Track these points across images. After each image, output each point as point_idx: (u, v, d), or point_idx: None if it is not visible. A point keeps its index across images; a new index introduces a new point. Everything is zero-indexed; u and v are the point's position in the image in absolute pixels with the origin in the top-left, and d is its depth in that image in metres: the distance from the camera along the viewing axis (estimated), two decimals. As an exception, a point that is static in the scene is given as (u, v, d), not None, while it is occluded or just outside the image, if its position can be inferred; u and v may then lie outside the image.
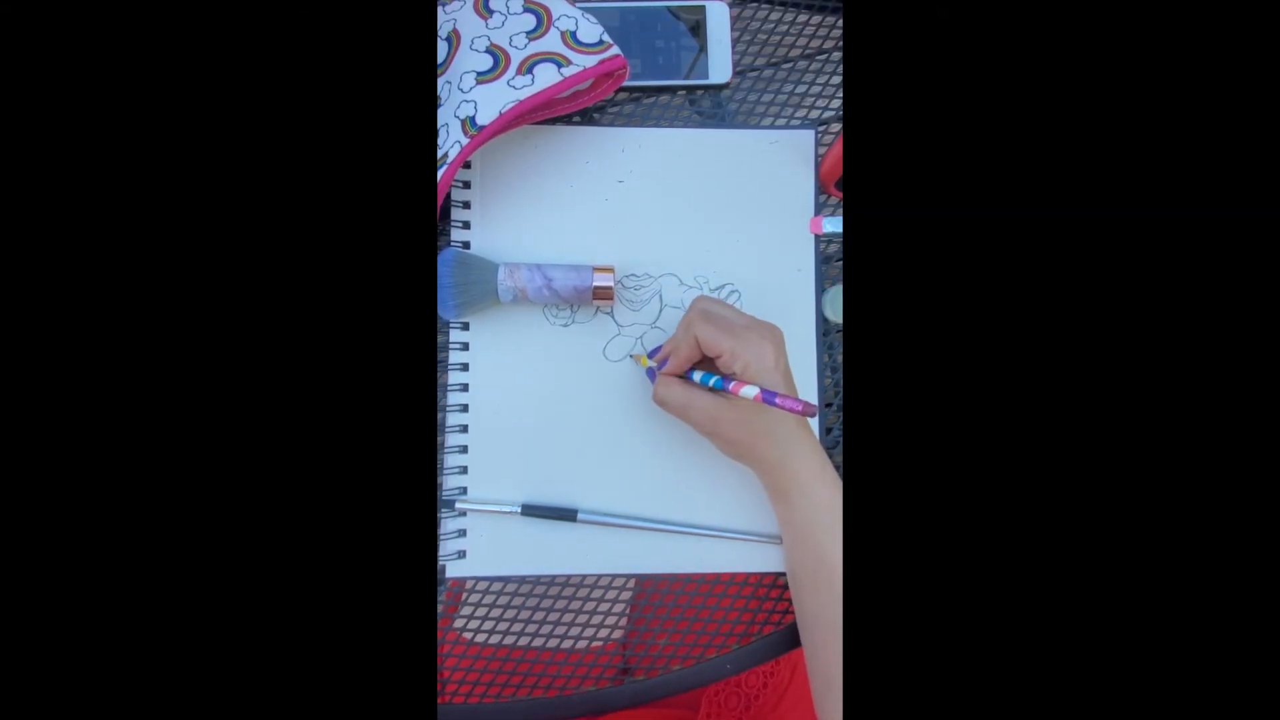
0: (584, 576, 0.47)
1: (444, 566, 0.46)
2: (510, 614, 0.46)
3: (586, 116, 0.49)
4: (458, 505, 0.46)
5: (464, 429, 0.47)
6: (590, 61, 0.44)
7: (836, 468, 0.48)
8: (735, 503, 0.47)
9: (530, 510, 0.46)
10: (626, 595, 0.47)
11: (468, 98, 0.43)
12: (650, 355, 0.45)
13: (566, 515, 0.46)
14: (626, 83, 0.46)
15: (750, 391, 0.37)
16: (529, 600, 0.46)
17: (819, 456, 0.41)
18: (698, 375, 0.41)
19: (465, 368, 0.47)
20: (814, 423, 0.47)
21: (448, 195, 0.47)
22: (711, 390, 0.40)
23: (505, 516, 0.46)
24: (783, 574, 0.47)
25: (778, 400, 0.35)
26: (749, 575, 0.47)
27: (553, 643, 0.46)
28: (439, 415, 0.47)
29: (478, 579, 0.46)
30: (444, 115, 0.44)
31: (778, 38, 0.51)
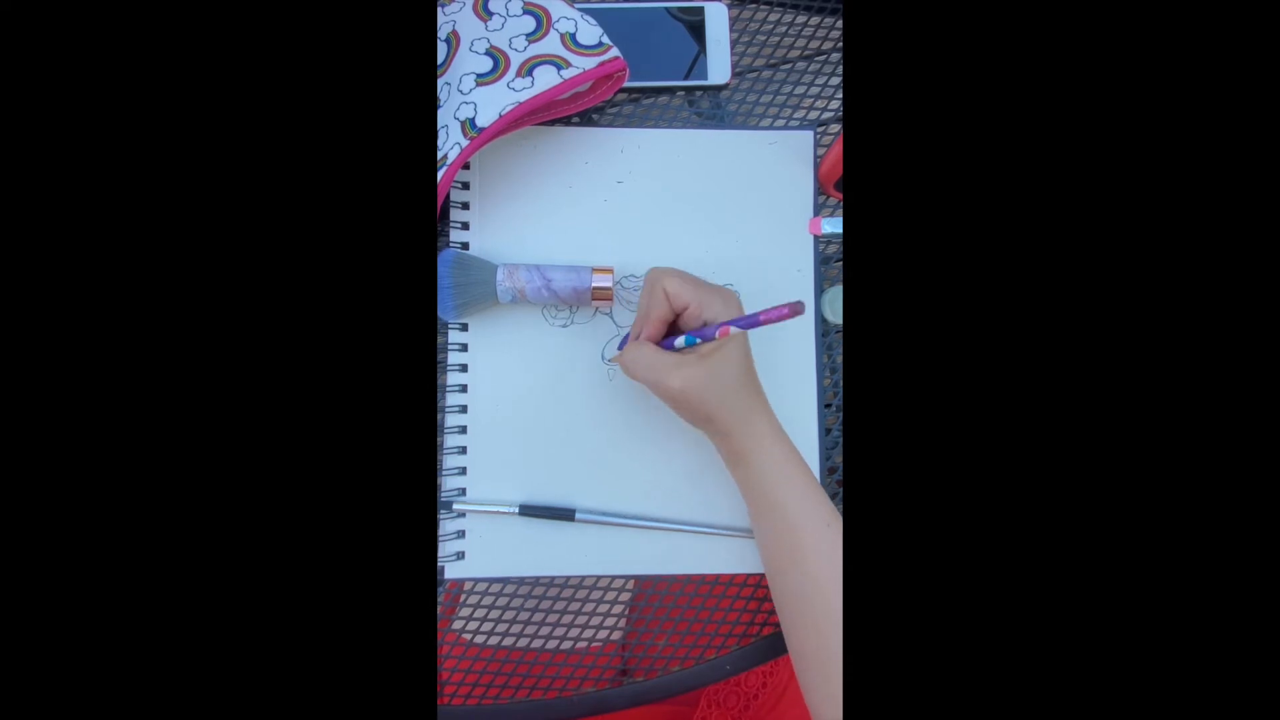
0: (583, 578, 0.47)
1: (443, 568, 0.46)
2: (509, 615, 0.46)
3: (585, 117, 0.50)
4: (455, 506, 0.46)
5: (463, 430, 0.47)
6: (590, 64, 0.44)
7: (836, 468, 0.48)
8: (733, 501, 0.46)
9: (528, 510, 0.46)
10: (625, 596, 0.47)
11: (467, 99, 0.43)
12: (620, 347, 0.44)
13: (564, 515, 0.46)
14: (626, 84, 0.46)
15: (734, 323, 0.37)
16: (528, 601, 0.46)
17: (774, 421, 0.41)
18: (679, 341, 0.40)
19: (464, 368, 0.47)
20: (814, 422, 0.48)
21: (447, 196, 0.47)
22: (682, 352, 0.40)
23: (504, 518, 0.46)
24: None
25: (761, 317, 0.35)
26: (748, 576, 0.47)
27: (552, 644, 0.46)
28: (438, 416, 0.47)
29: (477, 580, 0.46)
30: (444, 117, 0.44)
31: (777, 39, 0.51)
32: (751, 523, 0.43)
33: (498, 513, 0.46)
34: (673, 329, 0.41)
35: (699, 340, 0.39)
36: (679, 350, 0.40)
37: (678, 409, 0.40)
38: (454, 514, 0.46)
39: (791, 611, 0.40)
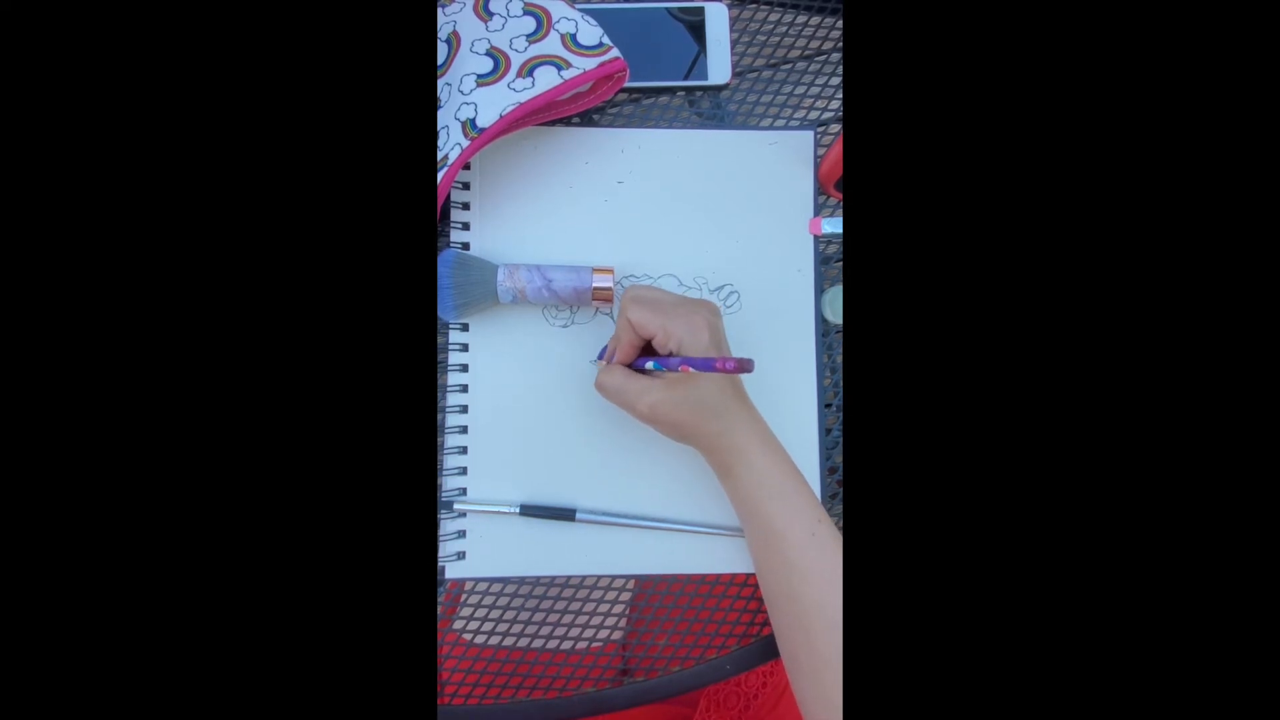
0: (583, 578, 0.47)
1: (443, 568, 0.46)
2: (510, 615, 0.46)
3: (586, 117, 0.50)
4: (456, 506, 0.46)
5: (463, 430, 0.47)
6: (590, 64, 0.44)
7: (836, 468, 0.48)
8: (735, 503, 0.47)
9: (528, 510, 0.46)
10: (626, 596, 0.47)
11: (468, 100, 0.43)
12: (599, 357, 0.45)
13: (564, 515, 0.46)
14: (626, 84, 0.46)
15: (690, 363, 0.37)
16: (528, 601, 0.46)
17: (759, 427, 0.41)
18: (649, 364, 0.41)
19: (465, 368, 0.47)
20: (814, 422, 0.48)
21: (448, 196, 0.47)
22: (650, 373, 0.41)
23: (504, 517, 0.46)
24: (782, 575, 0.47)
25: (715, 364, 0.35)
26: (749, 575, 0.47)
27: (552, 644, 0.46)
28: (438, 416, 0.47)
29: (477, 580, 0.46)
30: (444, 117, 0.44)
31: (777, 39, 0.51)
32: (744, 530, 0.43)
33: (498, 512, 0.46)
34: (646, 346, 0.42)
35: (664, 368, 0.39)
36: (648, 373, 0.41)
37: (654, 429, 0.41)
38: (455, 514, 0.46)
39: (781, 615, 0.40)
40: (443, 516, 0.46)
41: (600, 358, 0.45)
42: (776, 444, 0.41)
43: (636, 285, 0.42)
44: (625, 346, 0.41)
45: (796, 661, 0.39)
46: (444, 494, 0.46)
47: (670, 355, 0.40)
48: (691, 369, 0.37)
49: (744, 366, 0.34)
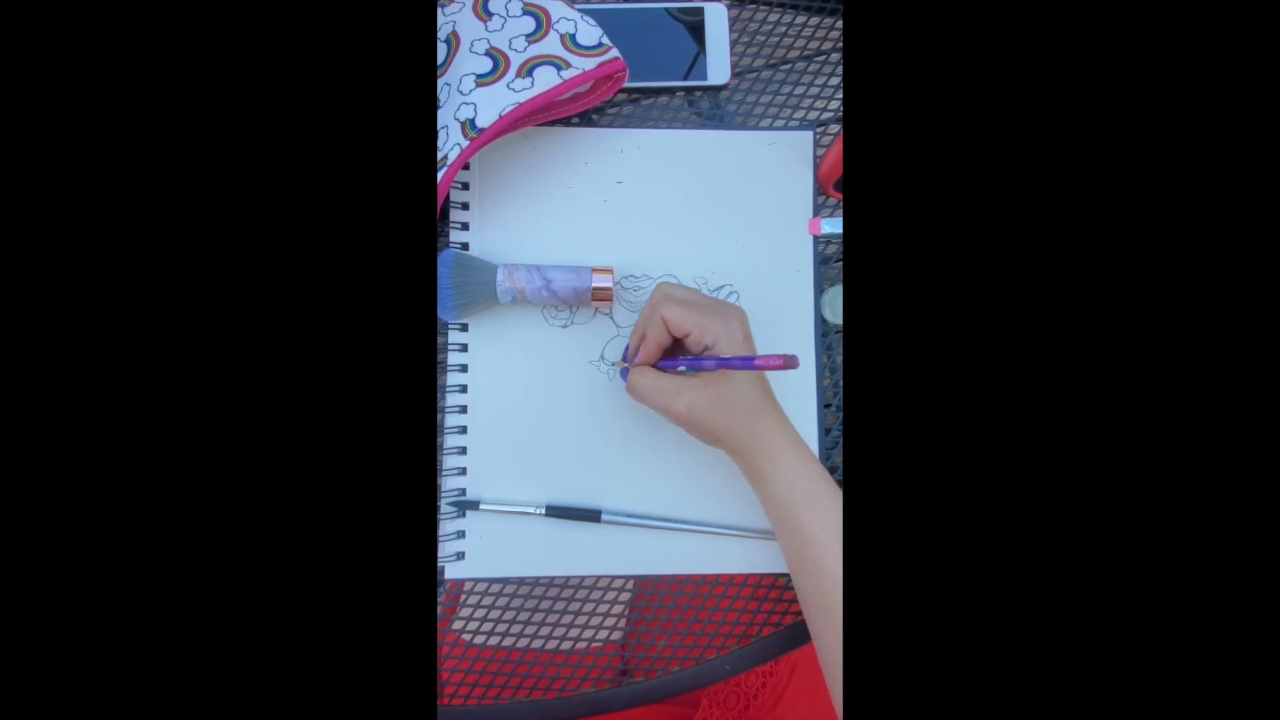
0: (583, 578, 0.47)
1: (443, 568, 0.46)
2: (509, 615, 0.46)
3: (585, 117, 0.50)
4: (483, 507, 0.46)
5: (463, 430, 0.47)
6: (590, 64, 0.44)
7: (836, 469, 0.48)
8: (733, 500, 0.47)
9: (554, 511, 0.46)
10: (625, 596, 0.47)
11: (467, 100, 0.43)
12: (622, 357, 0.45)
13: (590, 516, 0.46)
14: (626, 84, 0.46)
15: (727, 363, 0.37)
16: (528, 602, 0.46)
17: (789, 430, 0.40)
18: (682, 366, 0.40)
19: (464, 369, 0.47)
20: (813, 422, 0.48)
21: (447, 196, 0.47)
22: (683, 374, 0.40)
23: (504, 517, 0.46)
24: (782, 575, 0.47)
25: (756, 361, 0.35)
26: (748, 576, 0.47)
27: (552, 644, 0.46)
28: (438, 416, 0.47)
29: (477, 580, 0.46)
30: (444, 117, 0.44)
31: (776, 39, 0.51)
32: (776, 535, 0.43)
33: (523, 513, 0.46)
34: (674, 347, 0.42)
35: (696, 369, 0.39)
36: (681, 373, 0.40)
37: (687, 430, 0.41)
38: (475, 513, 0.46)
39: (814, 618, 0.40)
40: (446, 516, 0.46)
41: (623, 357, 0.44)
42: (805, 445, 0.40)
43: (668, 283, 0.42)
44: (653, 346, 0.41)
45: (828, 665, 0.39)
46: (454, 496, 0.46)
47: (700, 356, 0.39)
48: (728, 369, 0.36)
49: (790, 363, 0.32)
